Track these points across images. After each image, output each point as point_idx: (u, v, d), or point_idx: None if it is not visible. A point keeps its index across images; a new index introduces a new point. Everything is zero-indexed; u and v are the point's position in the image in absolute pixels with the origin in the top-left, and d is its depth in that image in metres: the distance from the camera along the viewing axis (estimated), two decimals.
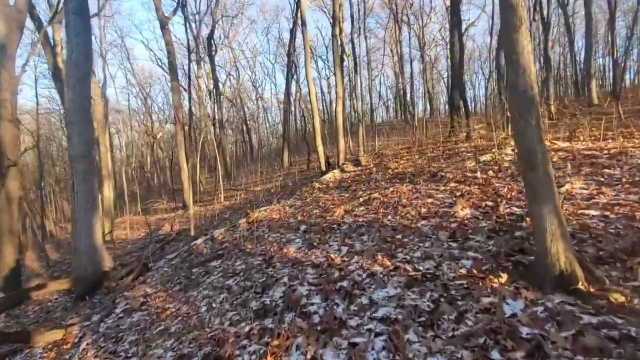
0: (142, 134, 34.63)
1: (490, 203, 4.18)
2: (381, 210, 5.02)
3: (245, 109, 31.71)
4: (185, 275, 4.85)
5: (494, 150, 6.91)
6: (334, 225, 4.95)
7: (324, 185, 9.00)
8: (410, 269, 3.15)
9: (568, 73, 30.61)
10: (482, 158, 6.47)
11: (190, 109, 21.49)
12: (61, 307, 6.23)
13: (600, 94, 18.92)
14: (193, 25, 24.54)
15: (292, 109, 29.51)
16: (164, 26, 17.27)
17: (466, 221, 3.84)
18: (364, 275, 3.27)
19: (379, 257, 3.51)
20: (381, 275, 3.17)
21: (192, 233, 7.38)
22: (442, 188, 5.22)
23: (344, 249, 4.04)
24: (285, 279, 3.66)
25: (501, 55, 19.78)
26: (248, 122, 31.68)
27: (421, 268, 3.13)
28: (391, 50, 33.86)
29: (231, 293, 3.82)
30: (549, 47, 17.07)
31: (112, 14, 22.84)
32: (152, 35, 57.03)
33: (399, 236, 3.95)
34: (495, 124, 11.72)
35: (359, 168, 10.51)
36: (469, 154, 7.67)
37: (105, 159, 19.29)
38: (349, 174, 9.71)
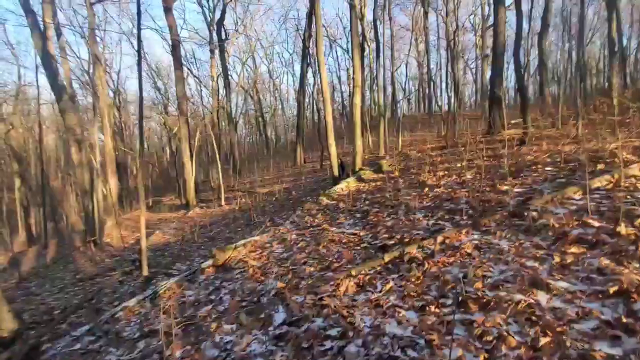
0: (162, 127, 32.99)
1: None
2: (431, 307, 2.32)
3: (262, 101, 29.25)
4: None
5: (608, 167, 4.03)
6: (337, 328, 2.34)
7: (333, 202, 6.35)
8: None
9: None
10: (595, 183, 3.62)
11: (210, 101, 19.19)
12: None
13: None
14: (207, 12, 22.10)
15: (309, 101, 26.76)
16: (168, 8, 14.84)
17: None
18: None
19: None
20: None
21: (145, 273, 4.97)
22: (556, 259, 2.47)
23: None
24: None
25: (546, 37, 16.18)
26: (265, 116, 29.23)
27: None
28: (415, 40, 30.32)
29: None
30: (613, 29, 13.38)
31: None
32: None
33: None
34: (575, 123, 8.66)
35: (380, 176, 7.78)
36: (549, 168, 4.78)
37: (110, 152, 17.36)
38: (367, 186, 7.01)
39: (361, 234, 4.09)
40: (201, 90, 24.41)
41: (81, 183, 13.19)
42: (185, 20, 24.51)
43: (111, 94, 26.99)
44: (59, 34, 15.77)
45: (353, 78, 8.52)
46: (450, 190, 4.82)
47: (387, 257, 3.09)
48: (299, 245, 4.38)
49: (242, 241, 4.90)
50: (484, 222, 3.32)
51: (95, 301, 5.12)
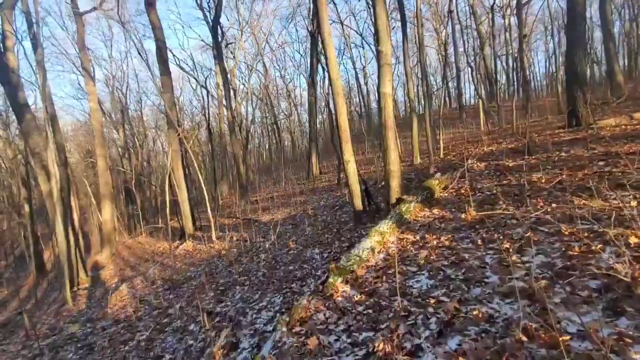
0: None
1: None
2: None
3: (276, 106, 25.96)
4: None
5: None
6: None
7: (357, 298, 2.70)
8: None
9: None
10: None
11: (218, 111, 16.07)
12: None
13: None
14: (208, 15, 19.06)
15: (324, 104, 23.18)
16: (149, 3, 11.77)
17: None
18: None
19: None
20: None
21: None
22: None
23: None
24: None
25: (610, 2, 11.58)
26: (279, 122, 25.93)
27: None
28: (435, 30, 25.97)
29: None
30: None
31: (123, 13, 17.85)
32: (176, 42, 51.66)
33: None
34: None
35: (436, 213, 4.08)
36: None
37: (105, 175, 14.58)
38: (422, 247, 3.32)
39: None
40: (208, 100, 21.39)
41: (52, 217, 10.36)
42: (188, 26, 21.58)
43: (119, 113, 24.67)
44: (34, 45, 13.09)
45: (378, 51, 4.84)
46: None
47: None
48: None
49: None
50: None
51: None
